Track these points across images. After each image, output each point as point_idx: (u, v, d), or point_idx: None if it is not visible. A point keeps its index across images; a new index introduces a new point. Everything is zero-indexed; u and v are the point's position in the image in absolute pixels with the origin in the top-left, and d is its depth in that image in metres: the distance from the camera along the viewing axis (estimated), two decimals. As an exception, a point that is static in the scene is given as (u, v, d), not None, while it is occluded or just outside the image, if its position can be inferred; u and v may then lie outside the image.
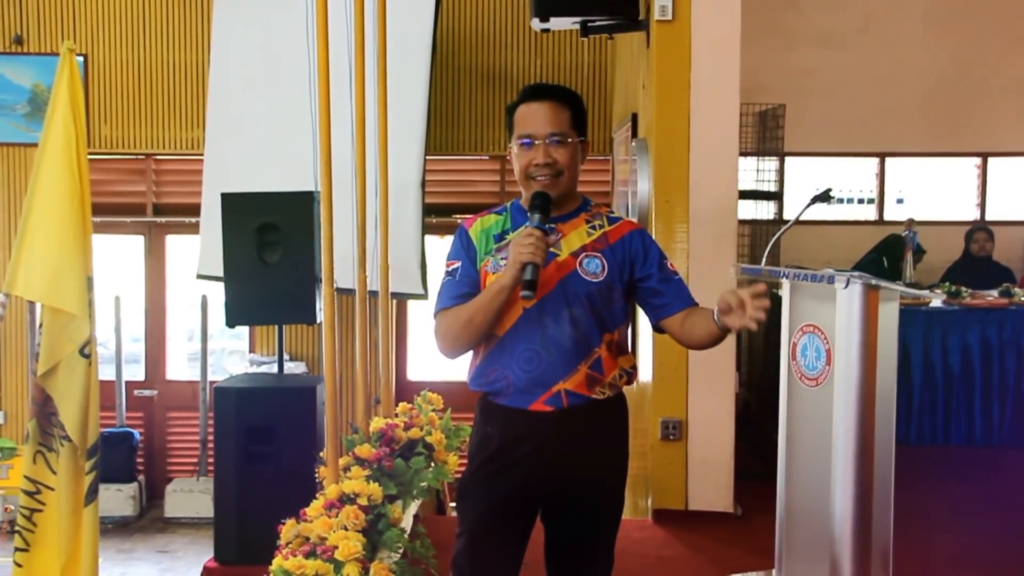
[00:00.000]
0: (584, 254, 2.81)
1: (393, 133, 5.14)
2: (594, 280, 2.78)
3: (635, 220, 2.97)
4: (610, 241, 2.84)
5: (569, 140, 2.80)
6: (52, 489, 3.47)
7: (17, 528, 3.47)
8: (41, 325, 3.44)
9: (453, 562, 2.90)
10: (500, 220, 2.89)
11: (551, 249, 2.75)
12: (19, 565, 3.45)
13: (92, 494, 3.52)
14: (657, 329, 2.92)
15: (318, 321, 5.33)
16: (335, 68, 4.00)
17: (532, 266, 2.63)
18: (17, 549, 3.45)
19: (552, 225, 2.79)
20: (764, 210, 7.66)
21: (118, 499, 8.05)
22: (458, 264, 2.85)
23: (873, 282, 3.37)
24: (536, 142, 2.79)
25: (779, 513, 3.73)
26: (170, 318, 8.86)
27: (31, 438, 3.48)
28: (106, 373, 8.50)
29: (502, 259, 2.77)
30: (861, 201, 8.59)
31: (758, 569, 4.19)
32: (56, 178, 3.39)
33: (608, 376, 2.80)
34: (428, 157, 7.01)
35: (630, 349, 2.94)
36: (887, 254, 7.32)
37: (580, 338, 2.76)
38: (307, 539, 3.50)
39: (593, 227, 2.86)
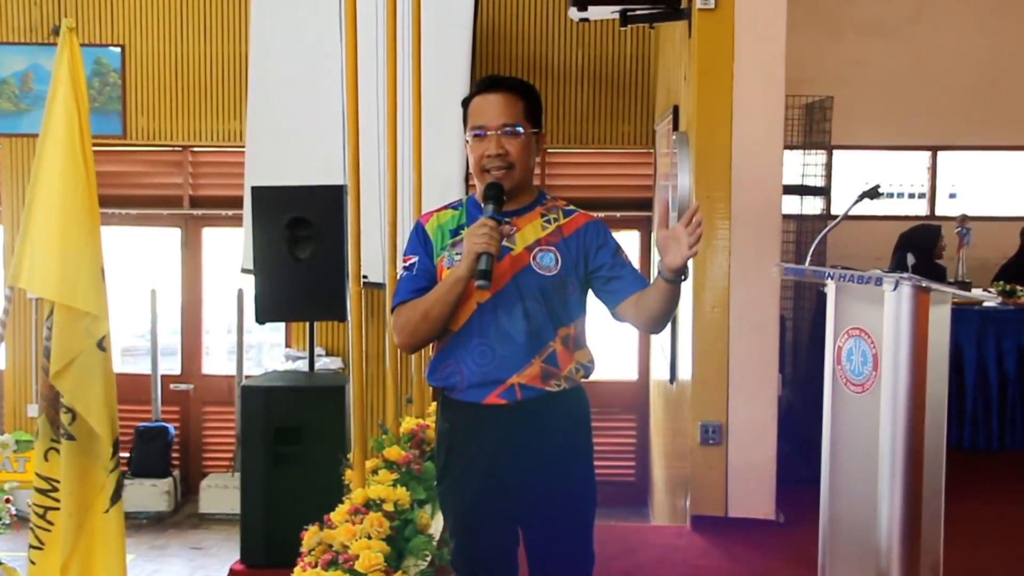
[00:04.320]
0: (538, 248, 2.81)
1: (433, 127, 5.02)
2: (548, 274, 2.78)
3: (592, 213, 2.96)
4: (564, 234, 2.84)
5: (521, 130, 2.78)
6: None
7: (31, 526, 3.35)
8: (49, 317, 3.30)
9: (452, 563, 2.98)
10: (456, 215, 2.90)
11: (505, 243, 2.74)
12: (33, 563, 3.33)
13: (117, 494, 3.40)
14: (616, 317, 2.88)
15: (348, 317, 5.22)
16: (371, 61, 3.89)
17: (486, 256, 2.63)
18: (31, 547, 3.33)
19: (508, 220, 2.77)
20: (811, 206, 7.45)
21: (152, 494, 8.02)
22: (415, 259, 2.85)
23: (924, 284, 3.19)
24: (488, 133, 2.78)
25: (823, 524, 3.58)
26: (209, 312, 8.82)
27: (41, 435, 3.35)
28: (142, 367, 8.50)
29: (456, 254, 2.78)
30: (912, 196, 8.35)
31: (800, 581, 4.03)
32: (58, 165, 3.23)
33: (564, 370, 2.80)
34: (467, 151, 6.89)
35: (586, 343, 2.90)
36: (911, 249, 7.01)
37: (533, 332, 2.76)
38: (330, 546, 3.40)
39: (548, 221, 2.85)
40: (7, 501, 4.67)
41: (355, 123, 3.79)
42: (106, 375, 3.29)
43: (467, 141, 2.84)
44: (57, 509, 3.30)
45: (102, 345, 3.28)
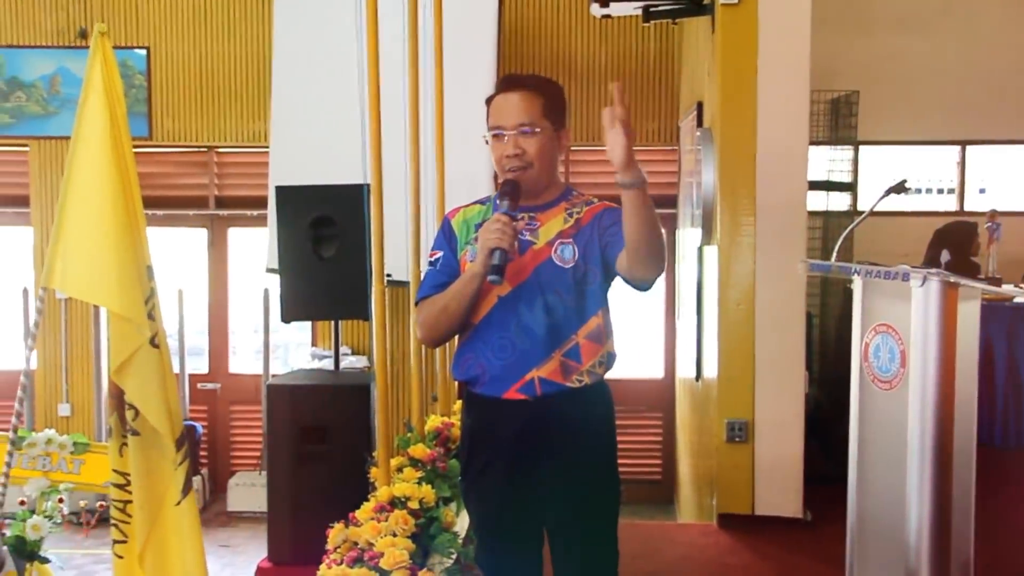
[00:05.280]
0: (559, 241, 2.80)
1: (459, 126, 5.01)
2: (568, 266, 2.77)
3: (615, 205, 2.84)
4: (582, 224, 2.82)
5: (538, 130, 2.78)
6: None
7: (113, 522, 3.44)
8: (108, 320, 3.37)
9: (476, 559, 3.00)
10: (482, 210, 2.91)
11: (528, 237, 2.78)
12: (120, 556, 3.41)
13: (188, 486, 3.47)
14: (620, 274, 2.75)
15: (371, 315, 5.23)
16: (393, 60, 3.88)
17: (499, 251, 2.65)
18: (116, 541, 3.42)
19: (533, 215, 2.81)
20: (837, 202, 7.39)
21: (181, 492, 8.04)
22: (440, 254, 2.89)
23: (952, 279, 3.16)
24: (506, 133, 2.78)
25: (850, 522, 3.55)
26: (236, 311, 8.85)
27: (114, 431, 3.43)
28: (170, 366, 8.54)
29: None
30: (941, 191, 8.26)
31: (828, 580, 4.00)
32: (92, 168, 3.27)
33: (585, 363, 2.78)
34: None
35: (610, 335, 2.85)
36: (947, 246, 6.90)
37: (554, 326, 2.75)
38: (355, 544, 3.40)
39: (570, 215, 2.85)
40: (60, 501, 4.75)
41: (377, 122, 3.79)
42: (162, 372, 3.34)
43: (487, 141, 2.84)
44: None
45: (155, 342, 3.33)
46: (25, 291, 8.22)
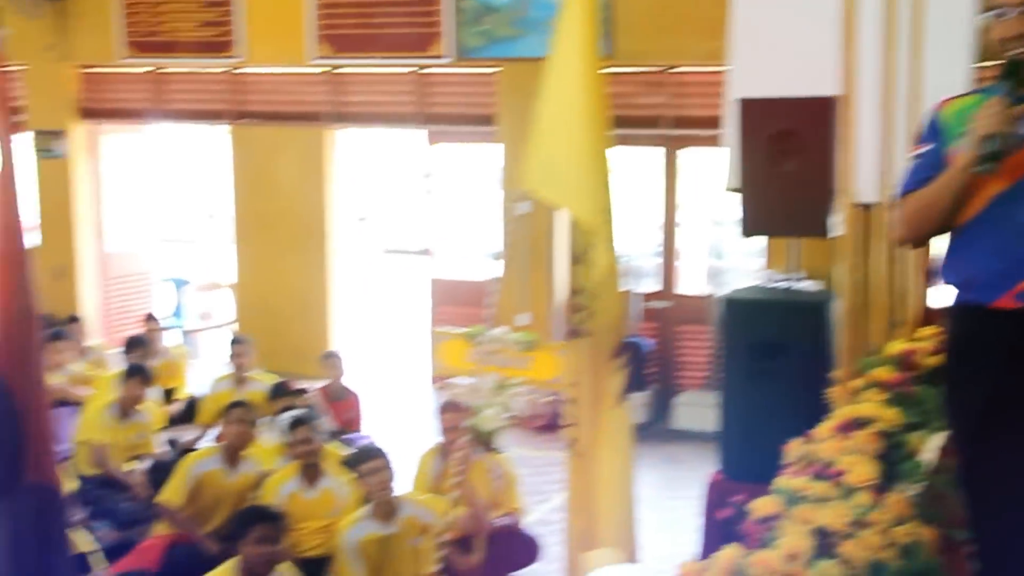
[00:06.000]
0: None
1: (939, 30, 4.65)
2: None
3: None
4: None
5: None
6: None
7: (567, 420, 3.71)
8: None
9: (957, 478, 2.78)
10: (979, 99, 2.55)
11: None
12: (574, 453, 3.69)
13: (622, 395, 3.66)
14: None
15: (833, 235, 5.03)
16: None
17: (992, 138, 2.37)
18: (574, 439, 3.68)
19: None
20: None
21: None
22: (926, 147, 2.64)
23: None
24: (1009, 11, 2.45)
25: None
26: (688, 232, 8.94)
27: (569, 333, 3.68)
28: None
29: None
30: None
31: None
32: (566, 86, 3.47)
33: None
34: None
35: None
36: None
37: None
38: (814, 461, 3.34)
39: None
40: (513, 395, 5.13)
41: (852, 31, 3.62)
42: (608, 279, 3.49)
43: (988, 25, 2.55)
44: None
45: (608, 250, 3.48)
46: (488, 209, 8.80)
